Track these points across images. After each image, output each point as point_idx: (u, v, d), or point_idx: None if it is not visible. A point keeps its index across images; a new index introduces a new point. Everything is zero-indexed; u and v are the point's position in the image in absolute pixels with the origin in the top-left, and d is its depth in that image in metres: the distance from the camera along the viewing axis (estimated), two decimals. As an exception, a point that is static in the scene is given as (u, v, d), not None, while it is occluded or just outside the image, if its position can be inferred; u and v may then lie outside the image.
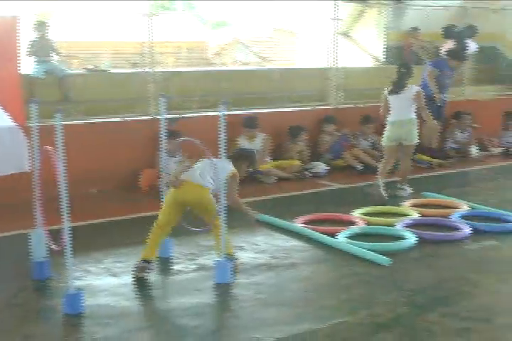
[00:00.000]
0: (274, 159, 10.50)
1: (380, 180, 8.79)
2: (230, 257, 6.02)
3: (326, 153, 10.90)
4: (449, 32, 11.60)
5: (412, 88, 8.98)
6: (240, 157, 6.48)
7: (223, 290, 5.66)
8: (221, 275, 5.79)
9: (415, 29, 15.48)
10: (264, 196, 9.07)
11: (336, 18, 11.33)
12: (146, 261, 5.91)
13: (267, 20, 30.08)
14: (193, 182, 5.86)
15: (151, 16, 9.54)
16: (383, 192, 8.69)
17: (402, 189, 9.20)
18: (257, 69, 13.96)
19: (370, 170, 10.44)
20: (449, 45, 11.73)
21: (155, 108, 9.82)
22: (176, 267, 6.25)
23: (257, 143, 10.33)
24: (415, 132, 9.01)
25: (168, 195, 6.00)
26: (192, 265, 6.26)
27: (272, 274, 6.00)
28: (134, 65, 10.12)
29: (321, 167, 10.39)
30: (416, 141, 9.07)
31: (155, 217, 6.08)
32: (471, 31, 11.63)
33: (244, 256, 6.46)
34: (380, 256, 6.23)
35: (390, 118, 9.07)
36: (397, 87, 8.98)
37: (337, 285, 5.76)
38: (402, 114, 8.94)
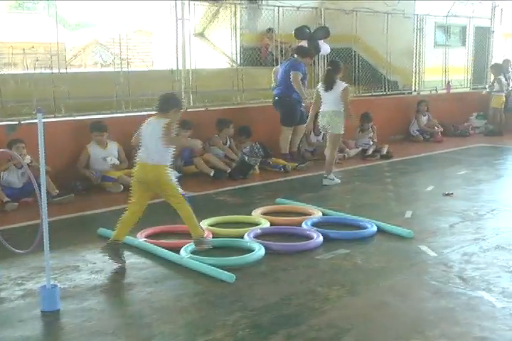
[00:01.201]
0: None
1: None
2: (200, 239, 6.26)
3: (177, 159, 10.40)
4: (300, 33, 11.37)
5: (341, 85, 9.69)
6: None
7: (50, 319, 5.03)
8: (48, 302, 5.17)
9: (270, 30, 15.27)
10: (109, 207, 8.48)
11: (181, 18, 10.82)
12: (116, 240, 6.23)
13: (128, 21, 29.40)
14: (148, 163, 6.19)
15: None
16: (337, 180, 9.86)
17: (328, 178, 9.86)
18: (102, 72, 13.23)
19: (223, 176, 10.09)
20: (301, 45, 11.51)
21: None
22: (0, 294, 5.59)
23: (111, 150, 9.74)
24: (339, 124, 9.69)
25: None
26: (19, 291, 5.59)
27: (105, 297, 5.44)
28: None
29: (172, 173, 9.84)
30: (339, 131, 9.76)
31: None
32: (323, 32, 11.44)
33: (78, 278, 5.88)
34: (224, 272, 5.78)
35: (320, 110, 9.86)
36: (328, 84, 9.73)
37: (175, 307, 5.23)
38: (327, 106, 9.75)
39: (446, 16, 15.90)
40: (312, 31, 11.52)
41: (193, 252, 6.35)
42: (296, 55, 11.05)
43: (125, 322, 4.94)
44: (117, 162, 9.64)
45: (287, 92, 11.02)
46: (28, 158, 8.43)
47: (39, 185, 5.15)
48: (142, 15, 22.25)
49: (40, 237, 5.10)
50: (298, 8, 13.06)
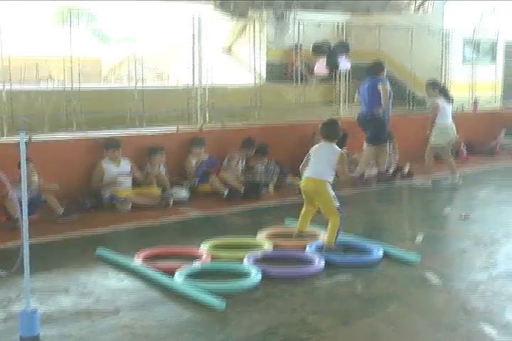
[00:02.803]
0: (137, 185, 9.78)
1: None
2: (328, 246, 7.01)
3: (192, 177, 10.26)
4: (318, 49, 11.18)
5: None
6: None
7: (26, 346, 4.88)
8: (27, 327, 4.99)
9: (298, 46, 15.14)
10: (114, 226, 8.35)
11: (198, 33, 10.66)
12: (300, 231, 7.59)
13: (167, 35, 29.52)
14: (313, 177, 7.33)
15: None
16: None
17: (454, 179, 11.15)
18: (116, 88, 13.17)
19: (237, 195, 9.87)
20: (321, 62, 11.31)
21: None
22: (-16, 316, 5.45)
23: (124, 166, 9.62)
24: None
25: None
26: (2, 313, 5.46)
27: (87, 323, 5.24)
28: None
29: (182, 192, 9.71)
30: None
31: None
32: (342, 48, 11.22)
33: (65, 301, 5.72)
34: (214, 298, 5.57)
35: (445, 122, 11.06)
36: (450, 98, 11.16)
37: (156, 335, 4.99)
38: (450, 119, 11.15)
39: (474, 31, 15.55)
40: (330, 47, 11.30)
41: (188, 276, 6.16)
42: (370, 73, 11.08)
43: (96, 353, 4.75)
44: (126, 181, 9.50)
45: (376, 110, 10.91)
46: (35, 179, 8.37)
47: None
48: (180, 30, 22.19)
49: (21, 260, 4.96)
50: (319, 23, 12.88)
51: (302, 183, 7.47)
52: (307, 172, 7.42)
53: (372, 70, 11.15)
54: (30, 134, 9.06)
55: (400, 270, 6.62)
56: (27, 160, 8.30)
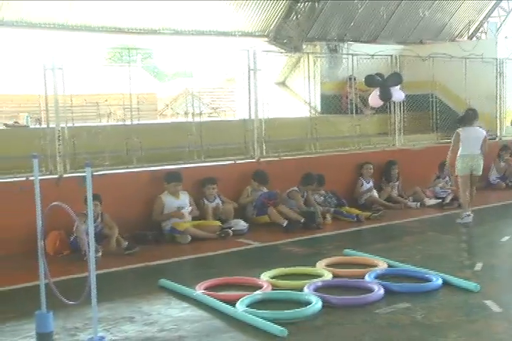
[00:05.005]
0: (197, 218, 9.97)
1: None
2: None
3: (249, 209, 10.42)
4: (371, 80, 11.33)
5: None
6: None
7: (90, 375, 5.04)
8: (92, 356, 5.19)
9: (351, 78, 15.29)
10: (174, 258, 8.53)
11: (254, 68, 10.86)
12: None
13: (221, 69, 29.90)
14: None
15: (55, 70, 9.05)
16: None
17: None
18: (174, 123, 13.45)
19: (296, 226, 9.96)
20: (374, 93, 11.45)
21: (62, 166, 9.29)
22: (53, 345, 5.64)
23: (184, 199, 9.83)
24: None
25: None
26: (71, 342, 5.65)
27: (152, 351, 5.41)
28: (37, 120, 9.52)
29: (241, 224, 9.86)
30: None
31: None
32: (394, 79, 11.34)
33: (131, 330, 5.88)
34: (276, 326, 5.66)
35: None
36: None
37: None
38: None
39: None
40: (383, 78, 11.44)
41: (249, 305, 6.27)
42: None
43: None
44: (190, 209, 9.69)
45: None
46: (98, 221, 8.64)
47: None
48: (231, 65, 22.54)
49: (89, 290, 5.14)
50: (372, 56, 13.03)
51: None
52: None
53: None
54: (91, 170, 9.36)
55: (460, 298, 6.62)
56: (95, 198, 8.61)
